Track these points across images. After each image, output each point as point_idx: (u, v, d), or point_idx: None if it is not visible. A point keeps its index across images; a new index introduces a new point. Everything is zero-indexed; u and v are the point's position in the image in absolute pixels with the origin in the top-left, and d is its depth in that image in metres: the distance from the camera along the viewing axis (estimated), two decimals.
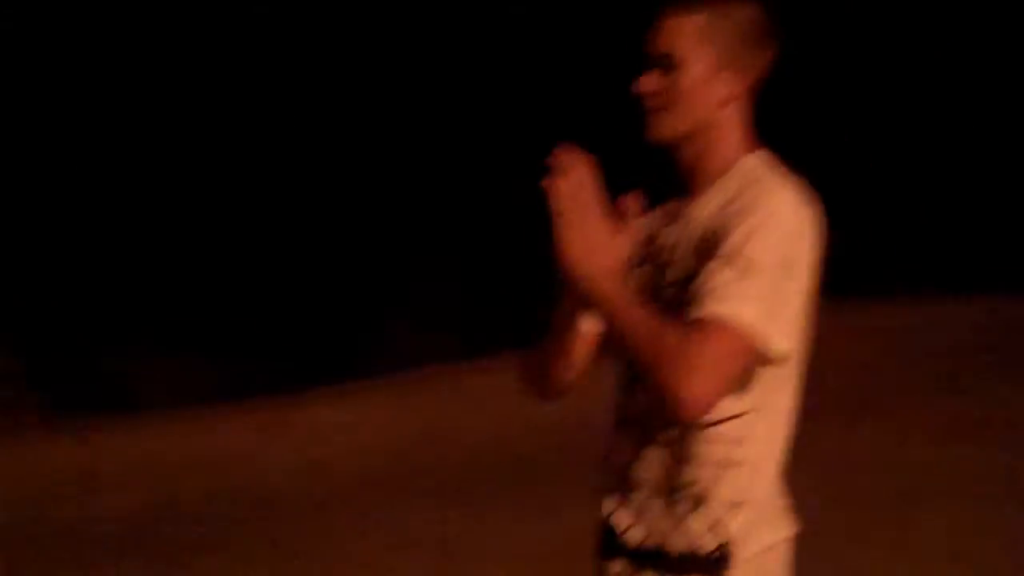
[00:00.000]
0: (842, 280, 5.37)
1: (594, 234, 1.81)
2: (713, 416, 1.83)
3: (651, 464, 1.94)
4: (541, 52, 15.17)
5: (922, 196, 14.94)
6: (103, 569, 5.58)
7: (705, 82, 1.93)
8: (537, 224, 1.89)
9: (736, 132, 1.97)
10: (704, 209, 1.94)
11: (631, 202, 1.94)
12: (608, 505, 2.03)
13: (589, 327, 2.06)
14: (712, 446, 1.88)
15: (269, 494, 6.95)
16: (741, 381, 1.83)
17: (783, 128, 2.04)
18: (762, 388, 1.87)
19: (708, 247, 1.85)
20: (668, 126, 1.95)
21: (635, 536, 1.95)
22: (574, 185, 1.79)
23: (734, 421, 1.87)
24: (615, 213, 1.90)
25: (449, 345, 12.11)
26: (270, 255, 14.58)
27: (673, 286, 1.93)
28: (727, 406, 1.84)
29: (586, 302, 1.86)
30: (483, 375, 10.17)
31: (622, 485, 2.00)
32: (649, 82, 1.94)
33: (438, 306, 13.76)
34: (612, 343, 1.89)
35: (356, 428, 8.66)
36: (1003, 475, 5.91)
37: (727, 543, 1.86)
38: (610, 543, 2.00)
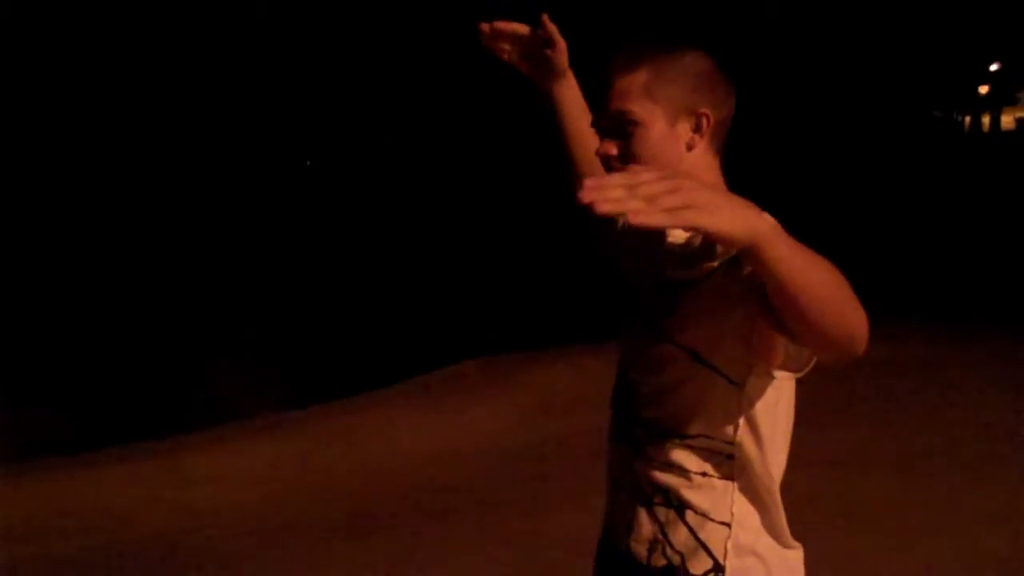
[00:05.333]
0: None
1: (716, 192, 1.36)
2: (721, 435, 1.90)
3: (651, 481, 1.96)
4: None
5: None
6: None
7: (664, 137, 1.87)
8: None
9: (710, 175, 1.91)
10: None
11: None
12: (611, 519, 2.08)
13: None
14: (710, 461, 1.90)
15: (173, 542, 6.75)
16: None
17: None
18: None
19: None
20: None
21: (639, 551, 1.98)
22: (634, 177, 1.34)
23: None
24: None
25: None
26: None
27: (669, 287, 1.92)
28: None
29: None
30: (356, 413, 10.14)
31: (623, 503, 2.04)
32: (610, 146, 1.90)
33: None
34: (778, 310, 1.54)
35: (239, 473, 8.46)
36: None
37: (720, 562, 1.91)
38: (606, 556, 2.08)
